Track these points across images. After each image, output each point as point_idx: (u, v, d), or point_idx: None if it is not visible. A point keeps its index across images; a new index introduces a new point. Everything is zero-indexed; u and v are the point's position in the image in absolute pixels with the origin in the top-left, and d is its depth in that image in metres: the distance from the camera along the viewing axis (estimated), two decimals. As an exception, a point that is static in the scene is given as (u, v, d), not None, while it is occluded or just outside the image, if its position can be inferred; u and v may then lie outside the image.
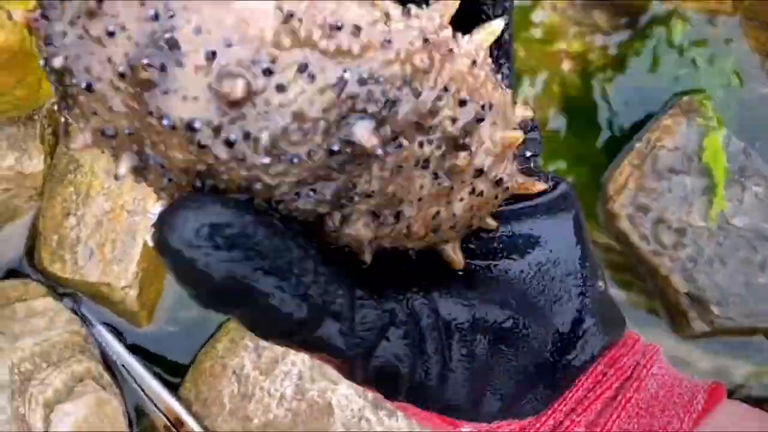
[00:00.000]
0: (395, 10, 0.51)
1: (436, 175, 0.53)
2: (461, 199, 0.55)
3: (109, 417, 1.73)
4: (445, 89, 0.51)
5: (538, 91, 2.18)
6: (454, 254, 0.59)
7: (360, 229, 0.52)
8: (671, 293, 2.08)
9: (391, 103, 0.48)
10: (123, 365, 1.86)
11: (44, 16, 0.49)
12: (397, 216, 0.53)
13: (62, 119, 0.47)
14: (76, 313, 1.86)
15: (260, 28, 0.47)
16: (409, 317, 0.56)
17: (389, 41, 0.48)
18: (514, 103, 0.59)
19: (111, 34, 0.47)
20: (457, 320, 0.57)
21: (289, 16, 0.47)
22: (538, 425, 0.63)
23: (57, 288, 1.89)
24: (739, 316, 2.06)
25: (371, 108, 0.48)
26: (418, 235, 0.55)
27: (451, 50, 0.52)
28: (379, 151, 0.48)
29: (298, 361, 1.86)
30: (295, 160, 0.48)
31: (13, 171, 1.80)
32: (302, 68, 0.47)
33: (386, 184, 0.51)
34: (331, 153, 0.48)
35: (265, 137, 0.47)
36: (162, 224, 0.46)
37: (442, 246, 0.59)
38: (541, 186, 0.61)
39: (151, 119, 0.47)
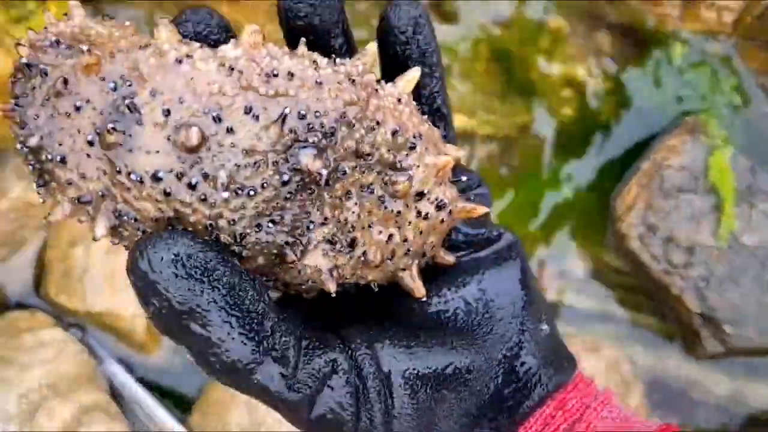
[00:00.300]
0: (322, 60, 0.60)
1: (382, 199, 0.61)
2: (409, 222, 0.62)
3: (118, 449, 1.70)
4: (377, 123, 0.59)
5: (543, 115, 2.20)
6: (413, 282, 0.65)
7: (319, 258, 0.59)
8: (683, 313, 2.06)
9: (330, 134, 0.57)
10: (131, 396, 1.84)
11: (17, 105, 0.56)
12: (352, 243, 0.60)
13: (41, 200, 0.57)
14: (84, 343, 1.84)
15: (206, 83, 0.55)
16: (352, 367, 0.60)
17: (320, 82, 0.57)
18: (447, 143, 0.67)
19: (78, 109, 0.55)
20: (399, 368, 0.61)
21: (231, 70, 0.56)
22: None
23: (64, 318, 1.87)
24: (753, 336, 2.04)
25: (312, 138, 0.56)
26: (374, 263, 0.62)
27: (376, 90, 0.61)
28: (324, 172, 0.56)
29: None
30: (251, 192, 0.56)
31: (20, 201, 1.80)
32: (247, 110, 0.55)
33: (337, 211, 0.59)
34: (283, 183, 0.56)
35: (222, 175, 0.55)
36: (135, 249, 0.53)
37: (400, 275, 0.65)
38: (483, 209, 0.66)
39: (121, 176, 0.55)
